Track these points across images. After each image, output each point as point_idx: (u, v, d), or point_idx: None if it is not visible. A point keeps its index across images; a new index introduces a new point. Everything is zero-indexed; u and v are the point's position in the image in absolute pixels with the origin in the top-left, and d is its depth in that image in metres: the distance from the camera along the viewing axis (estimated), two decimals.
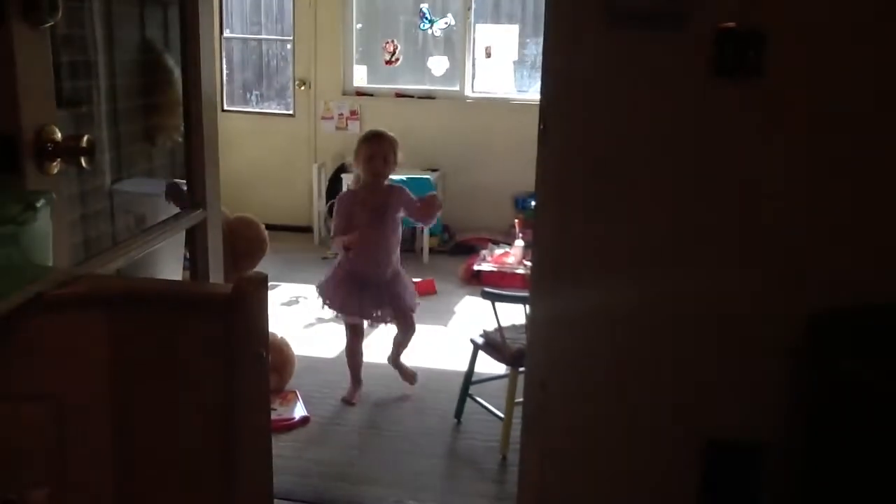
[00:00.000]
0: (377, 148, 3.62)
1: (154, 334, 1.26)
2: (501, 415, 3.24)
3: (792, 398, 2.22)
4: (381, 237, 3.64)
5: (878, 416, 1.82)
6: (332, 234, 3.81)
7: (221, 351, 1.22)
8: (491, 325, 3.31)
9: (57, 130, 1.42)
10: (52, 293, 1.23)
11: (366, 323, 3.83)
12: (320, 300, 3.75)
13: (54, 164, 1.40)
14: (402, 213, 3.71)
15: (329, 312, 3.88)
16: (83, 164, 1.40)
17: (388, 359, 3.83)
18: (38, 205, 1.23)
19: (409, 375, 3.81)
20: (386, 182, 3.70)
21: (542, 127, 2.25)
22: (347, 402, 3.68)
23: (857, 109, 2.08)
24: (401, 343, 3.82)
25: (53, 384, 1.23)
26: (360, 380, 3.78)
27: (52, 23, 1.37)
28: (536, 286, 2.39)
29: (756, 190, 2.16)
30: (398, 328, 3.79)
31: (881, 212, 2.12)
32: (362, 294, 3.65)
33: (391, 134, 3.73)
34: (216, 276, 2.23)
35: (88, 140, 1.40)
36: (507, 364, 3.23)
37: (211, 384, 1.25)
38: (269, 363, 1.31)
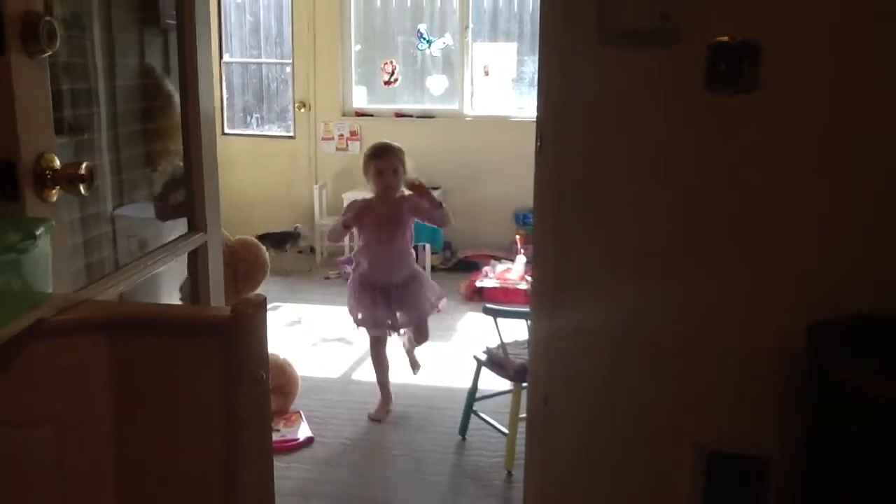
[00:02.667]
0: (386, 162, 3.67)
1: (154, 358, 1.27)
2: (506, 430, 3.24)
3: (792, 409, 2.22)
4: (393, 247, 3.70)
5: (879, 426, 1.82)
6: (335, 224, 3.88)
7: (221, 374, 1.23)
8: (493, 342, 3.31)
9: (56, 158, 1.43)
10: (53, 319, 1.24)
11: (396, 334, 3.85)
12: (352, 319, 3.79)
13: (53, 191, 1.42)
14: (412, 220, 3.75)
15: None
16: (82, 191, 1.41)
17: (403, 343, 3.89)
18: (38, 232, 1.25)
19: (413, 364, 3.86)
20: (398, 193, 3.74)
21: (539, 143, 2.27)
22: (374, 419, 3.69)
23: (855, 120, 2.09)
24: (415, 340, 3.87)
25: (54, 408, 1.24)
26: (389, 395, 3.78)
27: (50, 52, 1.38)
28: (537, 301, 2.40)
29: (754, 202, 2.17)
30: (413, 333, 3.84)
31: (881, 221, 2.13)
32: (376, 304, 3.68)
33: (396, 144, 3.78)
34: (217, 298, 2.24)
35: (87, 167, 1.41)
36: (510, 380, 3.23)
37: (211, 407, 1.25)
38: (269, 385, 1.32)
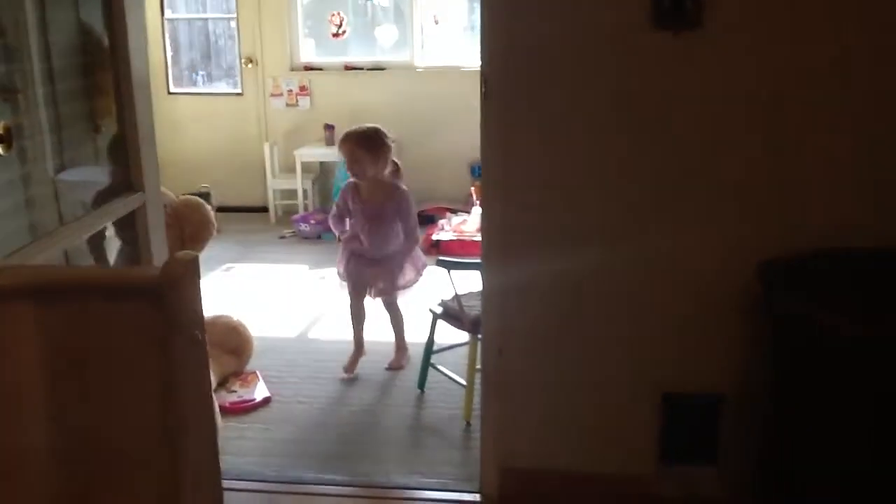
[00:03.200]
0: (344, 150, 3.62)
1: (84, 322, 1.23)
2: (464, 382, 3.24)
3: (746, 346, 2.25)
4: (376, 237, 3.65)
5: (829, 356, 1.85)
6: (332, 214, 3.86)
7: (154, 336, 1.20)
8: (449, 294, 3.30)
9: None
10: None
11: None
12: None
13: None
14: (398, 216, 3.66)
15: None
16: (0, 151, 1.35)
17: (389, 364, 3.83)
18: None
19: (395, 362, 3.77)
20: (383, 178, 3.64)
21: (483, 90, 2.23)
22: (345, 369, 3.68)
23: (800, 56, 2.08)
24: (392, 325, 3.83)
25: None
26: (360, 346, 3.77)
27: None
28: (487, 253, 2.38)
29: (702, 143, 2.17)
30: (385, 309, 3.81)
31: (826, 160, 2.14)
32: (360, 263, 3.69)
33: (362, 128, 3.65)
34: (161, 259, 2.19)
35: (4, 126, 1.35)
36: (466, 331, 3.23)
37: (146, 370, 1.22)
38: (206, 345, 1.28)
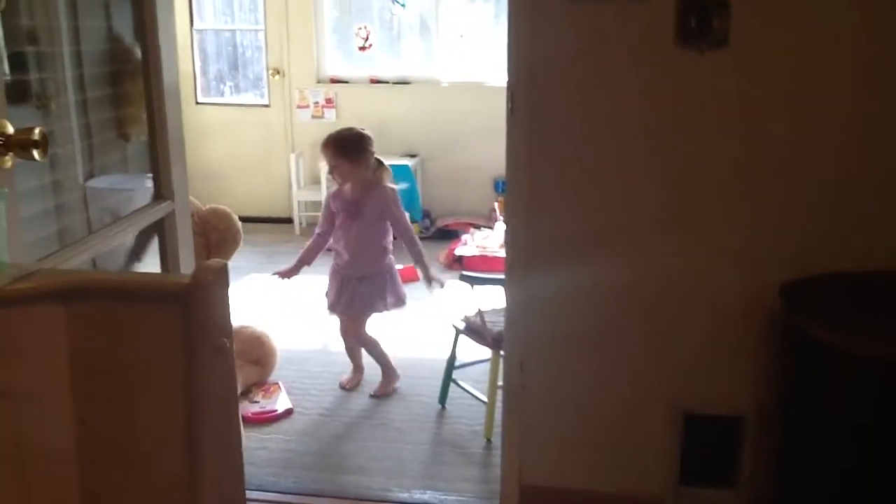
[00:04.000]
0: (324, 156, 3.61)
1: (112, 327, 1.23)
2: (485, 399, 3.22)
3: (766, 368, 2.22)
4: (353, 237, 3.56)
5: (852, 381, 1.82)
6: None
7: (181, 343, 1.19)
8: (472, 310, 3.29)
9: (8, 124, 1.38)
10: (7, 288, 1.20)
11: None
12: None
13: (6, 157, 1.37)
14: (381, 215, 3.57)
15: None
16: (36, 157, 1.36)
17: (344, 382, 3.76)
18: None
19: (382, 388, 3.66)
20: (371, 178, 3.57)
21: (510, 106, 2.23)
22: (342, 385, 3.66)
23: (826, 78, 2.06)
24: (370, 354, 3.72)
25: (11, 381, 1.20)
26: (360, 366, 3.74)
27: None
28: (511, 268, 2.37)
29: (727, 162, 2.15)
30: (345, 336, 3.74)
31: (852, 181, 2.12)
32: (341, 288, 3.62)
33: (344, 134, 3.58)
34: (188, 268, 2.20)
35: (41, 132, 1.36)
36: (489, 347, 3.22)
37: (173, 376, 1.22)
38: (233, 354, 1.28)
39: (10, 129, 1.39)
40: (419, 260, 3.65)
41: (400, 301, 3.69)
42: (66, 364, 1.24)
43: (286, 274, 3.71)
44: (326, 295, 3.71)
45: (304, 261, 3.71)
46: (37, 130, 1.38)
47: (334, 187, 3.73)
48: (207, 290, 1.15)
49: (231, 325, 1.24)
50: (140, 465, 1.25)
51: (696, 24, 1.99)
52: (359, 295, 3.60)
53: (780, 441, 2.17)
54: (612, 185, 2.21)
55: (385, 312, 3.69)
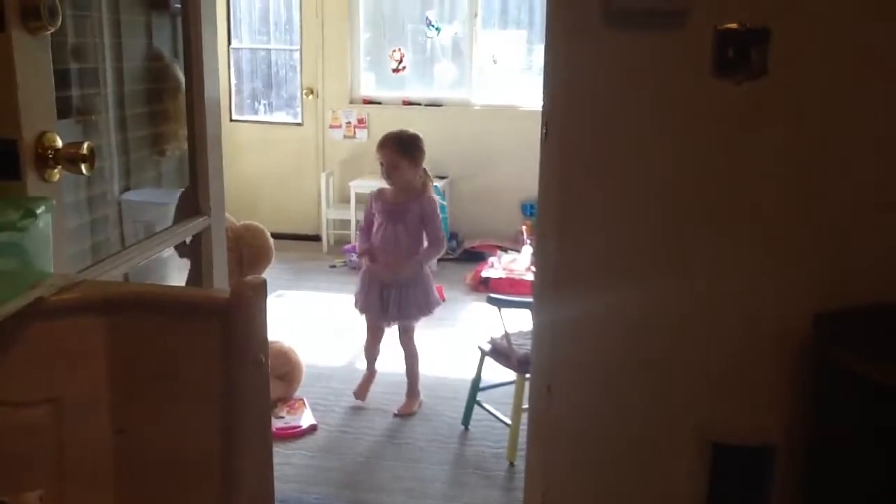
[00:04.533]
0: (381, 153, 3.62)
1: (153, 339, 1.26)
2: (509, 421, 3.23)
3: (797, 398, 2.20)
4: (393, 238, 3.59)
5: (888, 417, 1.81)
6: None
7: (220, 356, 1.22)
8: (498, 332, 3.30)
9: (57, 137, 1.42)
10: (52, 299, 1.24)
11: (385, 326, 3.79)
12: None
13: (55, 170, 1.41)
14: (422, 222, 3.61)
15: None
16: (83, 171, 1.40)
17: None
18: (39, 211, 1.24)
19: (407, 407, 3.68)
20: (413, 184, 3.63)
21: (544, 131, 2.25)
22: (356, 394, 3.69)
23: (864, 109, 2.06)
24: (406, 364, 3.76)
25: (53, 388, 1.23)
26: (373, 370, 3.76)
27: (52, 30, 1.37)
28: (539, 290, 2.38)
29: (761, 190, 2.15)
30: (400, 341, 3.77)
31: (888, 210, 2.11)
32: (377, 295, 3.64)
33: (403, 133, 3.66)
34: (221, 283, 2.24)
35: (89, 147, 1.40)
36: (513, 370, 3.22)
37: (210, 390, 1.25)
38: (269, 369, 1.31)
39: (59, 143, 1.43)
40: (426, 260, 3.71)
41: (436, 305, 3.74)
42: (107, 374, 1.28)
43: (366, 252, 3.69)
44: (357, 296, 3.73)
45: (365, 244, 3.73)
46: (85, 145, 1.42)
47: (378, 192, 3.77)
48: (248, 306, 1.17)
49: (267, 341, 1.27)
50: (177, 476, 1.27)
51: (733, 54, 2.00)
52: (407, 302, 3.63)
53: (810, 473, 2.15)
54: (643, 210, 2.21)
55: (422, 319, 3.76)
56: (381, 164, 3.63)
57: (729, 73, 2.05)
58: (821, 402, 2.06)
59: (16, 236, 1.20)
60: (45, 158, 1.38)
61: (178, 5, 2.38)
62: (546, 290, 2.36)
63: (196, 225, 2.12)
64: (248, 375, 1.21)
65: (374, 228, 3.65)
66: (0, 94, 1.31)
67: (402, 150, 3.59)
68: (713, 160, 2.15)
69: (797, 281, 2.17)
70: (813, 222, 2.14)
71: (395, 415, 3.62)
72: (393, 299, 3.61)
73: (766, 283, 2.19)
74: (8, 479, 1.20)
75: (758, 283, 2.20)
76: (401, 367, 3.79)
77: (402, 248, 3.60)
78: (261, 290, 1.21)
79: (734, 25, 1.98)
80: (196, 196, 2.13)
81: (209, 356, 1.22)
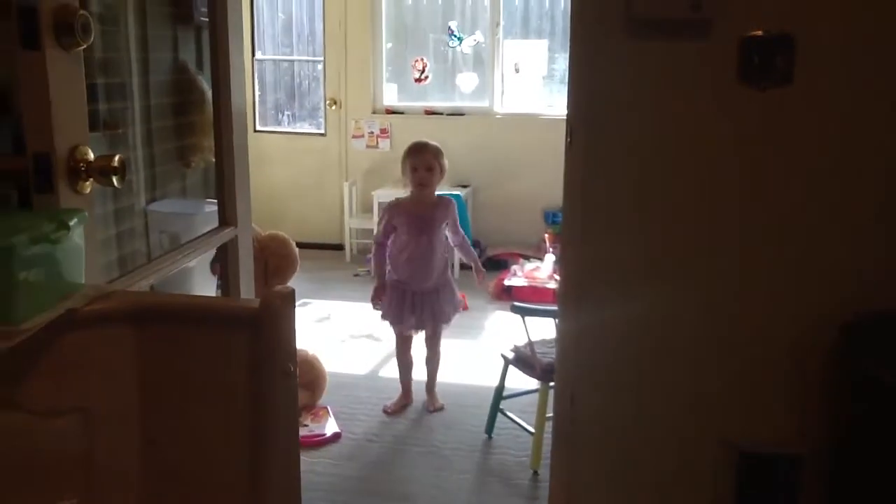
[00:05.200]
0: (420, 159, 3.67)
1: (182, 349, 1.28)
2: (532, 430, 3.22)
3: (826, 407, 2.19)
4: (423, 250, 3.66)
5: None
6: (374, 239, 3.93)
7: (249, 366, 1.24)
8: (521, 340, 3.30)
9: (89, 150, 1.45)
10: (84, 309, 1.26)
11: (414, 333, 3.85)
12: (379, 309, 3.82)
13: (87, 183, 1.43)
14: (445, 225, 3.73)
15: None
16: (115, 183, 1.43)
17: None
18: (72, 223, 1.26)
19: (434, 405, 3.79)
20: (435, 193, 3.74)
21: (568, 139, 2.26)
22: (387, 411, 3.73)
23: (889, 116, 2.05)
24: (429, 364, 3.83)
25: (83, 398, 1.25)
26: (409, 394, 3.82)
27: (84, 46, 1.40)
28: (564, 299, 2.38)
29: (787, 198, 2.14)
30: (426, 344, 3.81)
31: None
32: (404, 303, 3.70)
33: (434, 143, 3.78)
34: (247, 293, 2.26)
35: (120, 160, 1.43)
36: (537, 378, 3.22)
37: (239, 399, 1.26)
38: (297, 379, 1.32)
39: (91, 156, 1.45)
40: (477, 262, 3.89)
41: (458, 308, 3.86)
42: (137, 384, 1.29)
43: (380, 296, 3.77)
44: (381, 306, 3.78)
45: (383, 273, 3.79)
46: (116, 157, 1.45)
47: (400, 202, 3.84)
48: (277, 316, 1.19)
49: (296, 350, 1.28)
50: (205, 486, 1.29)
51: (758, 61, 2.00)
52: (440, 306, 3.73)
53: (837, 482, 2.13)
54: (667, 218, 2.21)
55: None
56: (414, 170, 3.66)
57: (754, 80, 2.05)
58: (848, 411, 2.04)
59: (49, 248, 1.22)
60: (78, 171, 1.41)
61: (204, 18, 2.41)
62: (570, 299, 2.36)
63: (223, 235, 2.14)
64: (276, 385, 1.23)
65: (400, 247, 3.71)
66: (34, 110, 1.34)
67: (439, 156, 3.73)
68: (737, 168, 2.15)
69: (823, 289, 2.16)
70: (837, 229, 2.13)
71: (431, 411, 3.72)
72: (426, 305, 3.70)
73: (792, 291, 2.18)
74: (39, 488, 1.22)
75: (784, 291, 2.19)
76: (422, 376, 3.85)
77: (435, 258, 3.70)
78: (289, 300, 1.23)
79: (759, 32, 1.98)
80: (223, 207, 2.15)
81: (238, 366, 1.24)
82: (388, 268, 3.75)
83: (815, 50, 2.01)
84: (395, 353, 3.90)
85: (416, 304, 3.69)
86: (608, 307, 2.30)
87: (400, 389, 3.82)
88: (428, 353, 3.84)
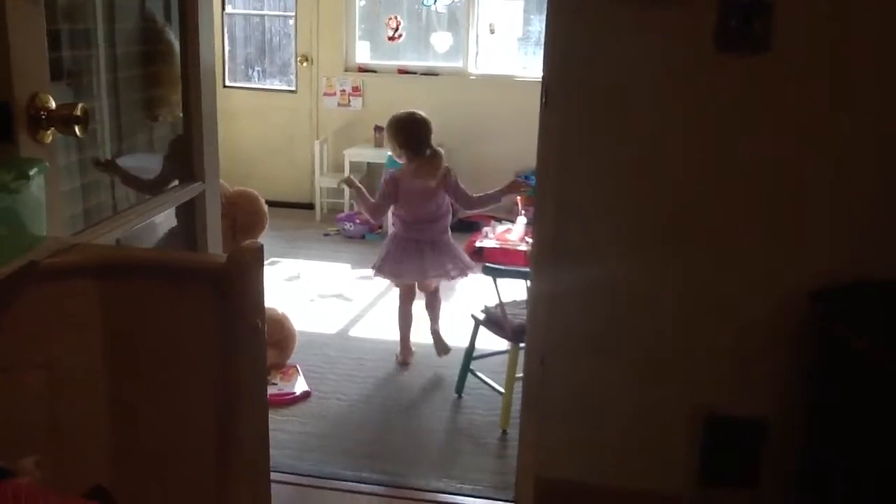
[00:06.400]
0: (415, 132, 3.76)
1: (148, 304, 1.25)
2: (502, 390, 3.24)
3: (793, 373, 2.22)
4: (433, 213, 3.74)
5: (880, 391, 1.82)
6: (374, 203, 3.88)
7: (217, 321, 1.21)
8: (492, 301, 3.30)
9: (51, 98, 1.40)
10: (45, 262, 1.22)
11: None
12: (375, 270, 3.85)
13: (48, 132, 1.39)
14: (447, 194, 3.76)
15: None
16: (77, 132, 1.38)
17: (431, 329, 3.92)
18: (31, 173, 1.22)
19: (440, 347, 3.84)
20: (435, 162, 3.73)
21: (543, 101, 2.23)
22: (401, 363, 3.80)
23: (865, 85, 2.05)
24: (431, 309, 3.89)
25: (47, 352, 1.22)
26: (409, 348, 3.86)
27: None
28: (537, 261, 2.38)
29: (759, 166, 2.14)
30: (426, 296, 3.90)
31: (886, 189, 2.11)
32: (413, 254, 3.73)
33: (419, 115, 3.82)
34: (215, 249, 2.22)
35: (82, 108, 1.38)
36: (507, 339, 3.23)
37: (207, 355, 1.24)
38: (265, 335, 1.30)
39: (53, 104, 1.40)
40: (496, 196, 3.88)
41: (467, 269, 3.85)
42: (102, 340, 1.27)
43: (353, 183, 3.88)
44: (384, 260, 3.80)
45: (371, 209, 3.85)
46: (79, 106, 1.40)
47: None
48: (245, 271, 1.17)
49: (264, 307, 1.26)
50: (174, 442, 1.27)
51: (735, 25, 1.98)
52: (444, 257, 3.77)
53: (801, 444, 2.17)
54: (643, 185, 2.21)
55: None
56: (412, 141, 3.71)
57: (731, 47, 2.03)
58: (820, 378, 2.07)
59: (7, 199, 1.18)
60: (38, 120, 1.36)
61: None
62: (543, 262, 2.36)
63: (191, 190, 2.10)
64: (245, 341, 1.21)
65: (406, 212, 3.74)
66: None
67: (391, 132, 3.83)
68: (713, 136, 2.14)
69: (792, 257, 2.17)
70: (811, 200, 2.14)
71: (405, 364, 3.80)
72: (433, 254, 3.74)
73: (762, 259, 2.19)
74: (4, 443, 1.19)
75: (754, 259, 2.20)
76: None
77: (442, 214, 3.78)
78: (258, 255, 1.20)
79: None
80: (191, 162, 2.11)
81: (206, 321, 1.22)
82: (393, 226, 3.82)
83: (793, 18, 2.00)
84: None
85: (424, 253, 3.73)
86: (581, 271, 2.31)
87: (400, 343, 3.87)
88: (430, 301, 3.89)
